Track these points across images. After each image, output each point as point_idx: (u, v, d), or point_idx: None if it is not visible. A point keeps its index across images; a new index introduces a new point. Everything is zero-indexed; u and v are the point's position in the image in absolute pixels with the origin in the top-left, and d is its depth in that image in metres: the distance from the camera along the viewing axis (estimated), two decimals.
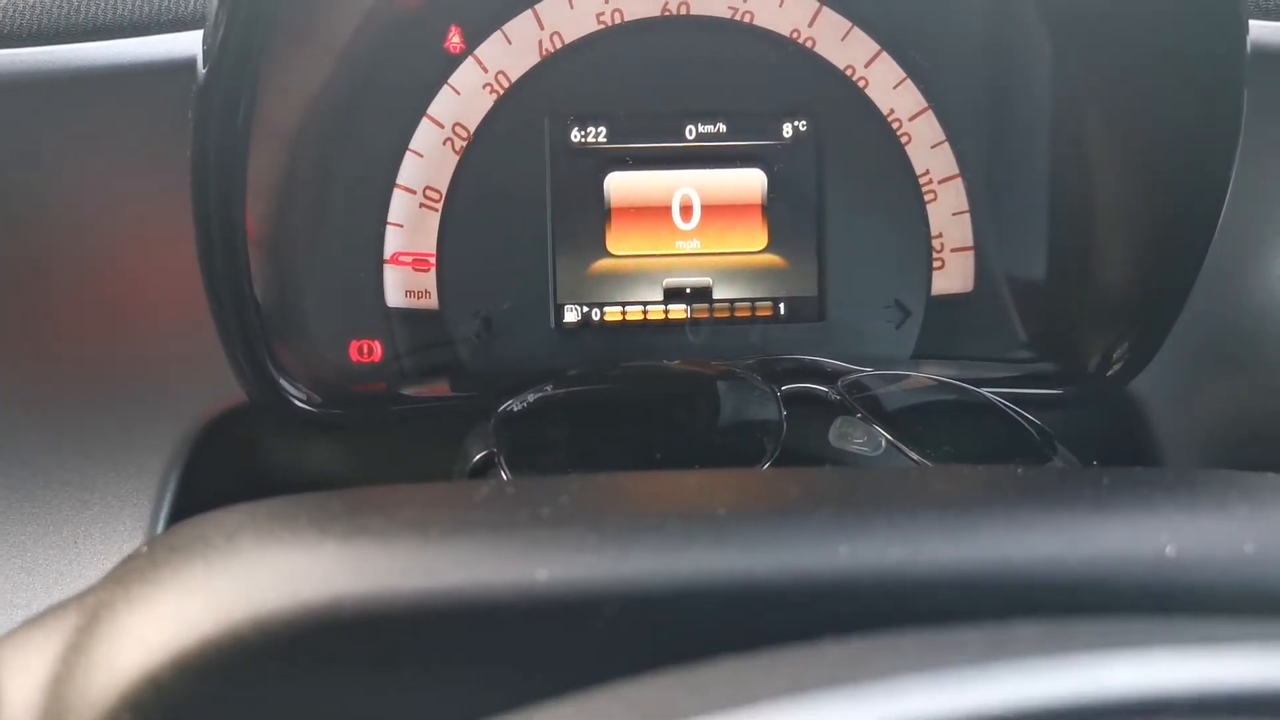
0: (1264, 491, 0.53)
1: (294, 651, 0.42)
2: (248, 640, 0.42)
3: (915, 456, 0.85)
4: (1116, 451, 1.02)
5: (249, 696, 0.43)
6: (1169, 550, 0.45)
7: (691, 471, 0.59)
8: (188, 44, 0.90)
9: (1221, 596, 0.45)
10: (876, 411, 0.89)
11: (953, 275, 1.05)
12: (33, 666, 0.48)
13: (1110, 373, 0.97)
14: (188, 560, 0.47)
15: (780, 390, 0.89)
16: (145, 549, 0.52)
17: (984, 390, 0.94)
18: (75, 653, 0.46)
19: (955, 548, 0.44)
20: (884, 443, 0.87)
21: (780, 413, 0.86)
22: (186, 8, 0.93)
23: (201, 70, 0.83)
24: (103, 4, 0.92)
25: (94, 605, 0.48)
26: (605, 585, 0.43)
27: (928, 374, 0.99)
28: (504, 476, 0.82)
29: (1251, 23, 0.91)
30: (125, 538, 0.92)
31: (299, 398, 0.94)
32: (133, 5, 0.93)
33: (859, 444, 0.89)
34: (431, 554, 0.45)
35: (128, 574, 0.49)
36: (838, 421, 0.91)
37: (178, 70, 0.88)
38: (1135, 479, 0.57)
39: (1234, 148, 0.86)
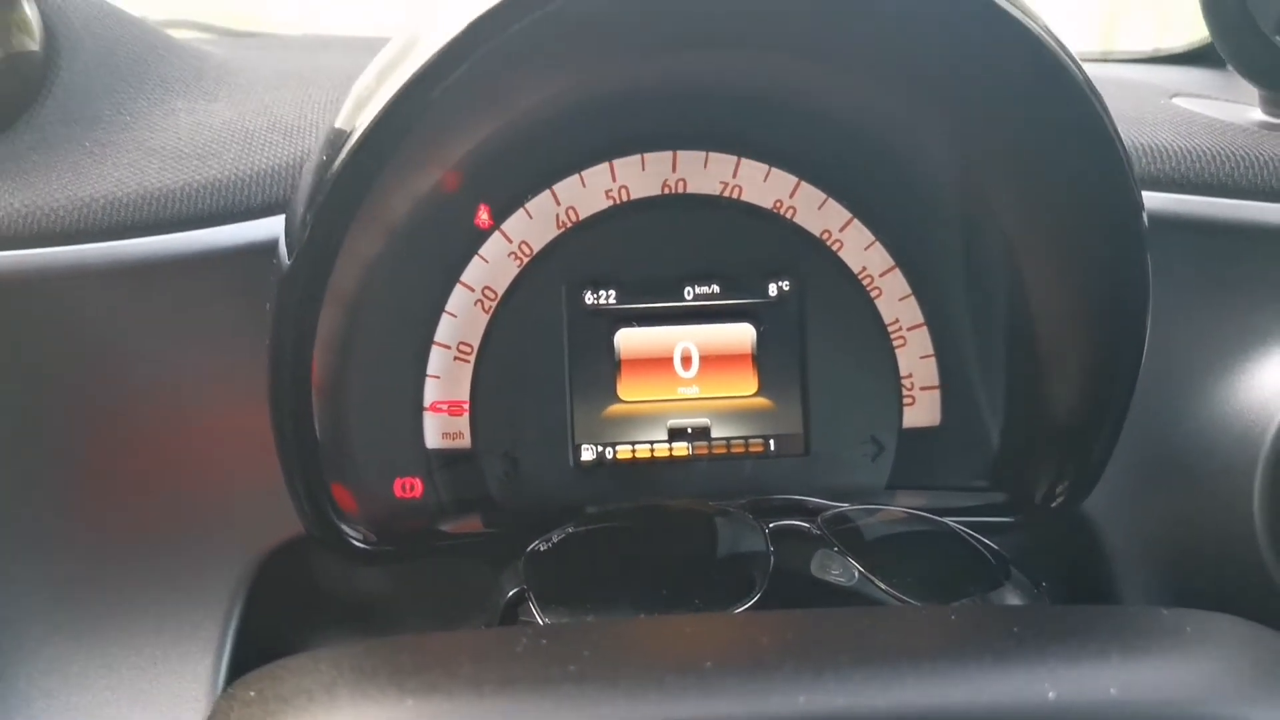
0: (1139, 634, 0.66)
1: None
2: None
3: (884, 586, 0.92)
4: (1076, 567, 1.11)
5: None
6: (1050, 695, 0.57)
7: (687, 619, 0.69)
8: (254, 231, 1.01)
9: None
10: (852, 545, 0.96)
11: (922, 410, 1.11)
12: None
13: (1054, 504, 1.04)
14: (296, 713, 0.59)
15: (769, 527, 0.96)
16: (253, 694, 0.64)
17: (947, 519, 1.01)
18: None
19: (877, 698, 0.57)
20: (857, 574, 0.94)
21: (768, 549, 0.93)
22: (255, 201, 1.02)
23: (287, 260, 0.90)
24: (184, 203, 1.01)
25: None
26: None
27: (900, 505, 1.06)
28: (534, 611, 0.89)
29: (1151, 194, 1.05)
30: (198, 658, 0.98)
31: (354, 535, 1.01)
32: (206, 202, 1.02)
33: (836, 575, 0.96)
34: (485, 709, 0.57)
35: None
36: (818, 555, 0.97)
37: (242, 254, 1.00)
38: (1040, 622, 0.70)
39: (1146, 306, 0.95)
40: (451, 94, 0.88)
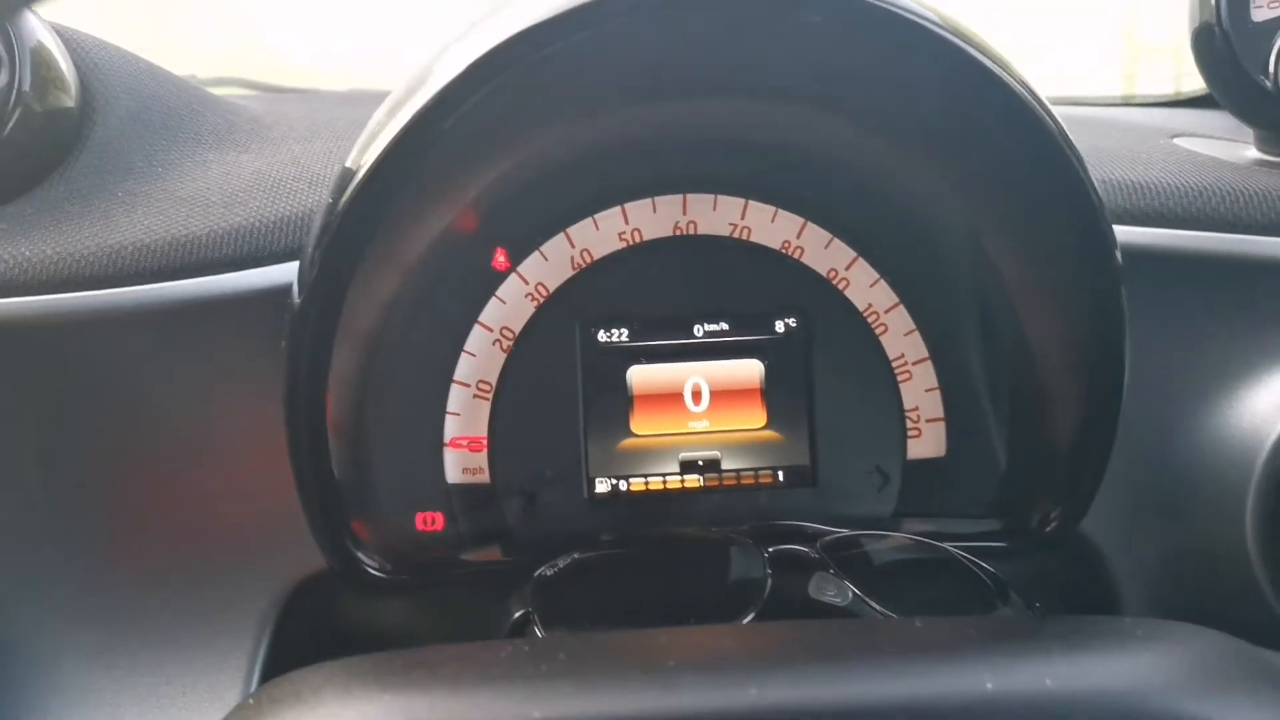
0: (1090, 636, 0.69)
1: None
2: None
3: (877, 607, 0.95)
4: (1078, 592, 1.12)
5: None
6: (988, 685, 0.60)
7: (663, 630, 0.73)
8: (277, 275, 1.04)
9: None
10: (848, 568, 0.98)
11: (928, 442, 1.13)
12: None
13: (1048, 529, 1.07)
14: (283, 710, 0.63)
15: (769, 551, 0.99)
16: (252, 701, 0.68)
17: (947, 544, 1.03)
18: None
19: (822, 692, 0.60)
20: (851, 595, 0.96)
21: (765, 572, 0.96)
22: (279, 245, 1.06)
23: (296, 299, 0.94)
24: (209, 249, 1.05)
25: None
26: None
27: (900, 532, 1.08)
28: (538, 631, 0.92)
29: (1142, 230, 1.09)
30: (227, 686, 1.01)
31: (372, 566, 1.04)
32: (231, 247, 1.05)
33: (831, 596, 0.97)
34: (460, 704, 0.61)
35: None
36: (816, 577, 0.98)
37: (265, 297, 1.03)
38: (997, 626, 0.73)
39: (1124, 338, 0.98)
40: (457, 133, 0.92)
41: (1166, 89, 1.87)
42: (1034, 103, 0.92)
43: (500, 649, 0.69)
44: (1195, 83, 1.74)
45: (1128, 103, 1.88)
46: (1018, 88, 0.91)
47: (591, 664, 0.65)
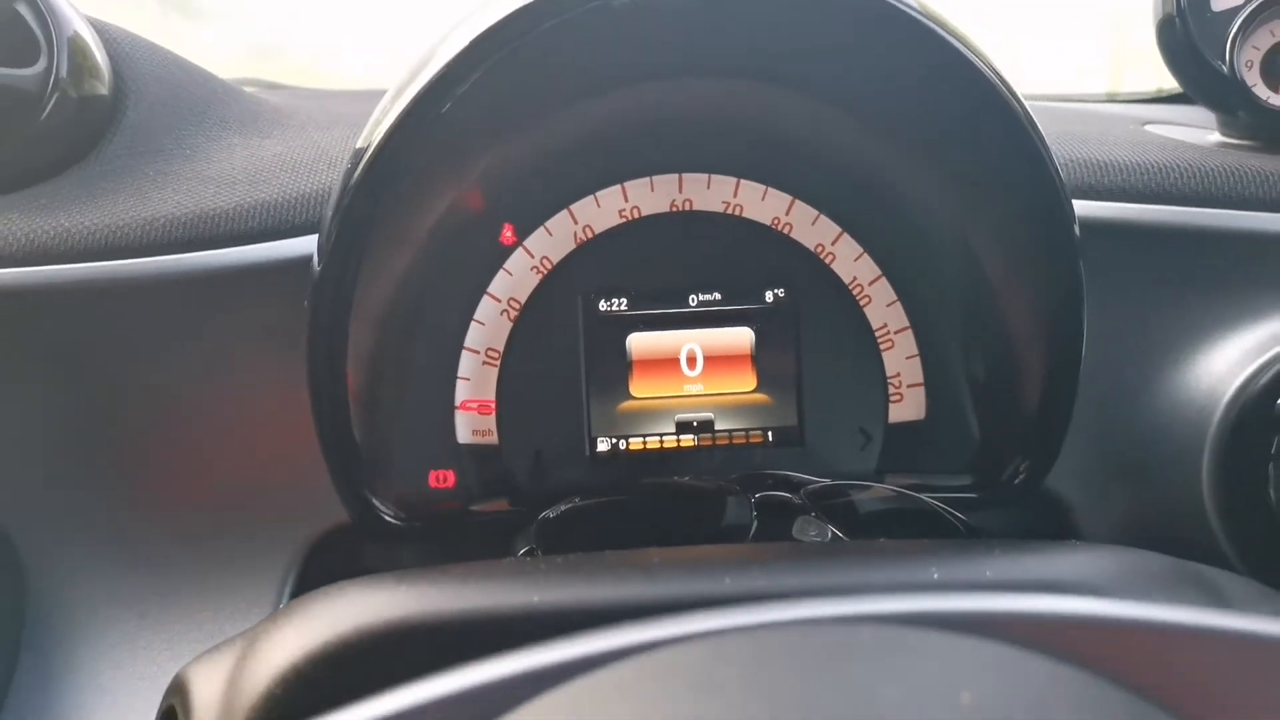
0: (1031, 546, 0.75)
1: (380, 647, 0.66)
2: (352, 641, 0.65)
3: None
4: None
5: (353, 677, 0.64)
6: (934, 575, 0.67)
7: (651, 550, 0.80)
8: (300, 246, 1.09)
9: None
10: (830, 512, 1.04)
11: (908, 406, 1.18)
12: (214, 675, 0.70)
13: (1016, 482, 1.12)
14: (310, 603, 0.69)
15: (755, 497, 1.05)
16: (282, 607, 0.75)
17: (922, 495, 1.09)
18: (244, 660, 0.69)
19: (791, 579, 0.67)
20: (831, 535, 1.02)
21: (751, 514, 1.02)
22: (300, 219, 1.11)
23: (317, 266, 0.99)
24: (235, 222, 1.11)
25: (253, 635, 0.71)
26: (572, 604, 0.66)
27: (878, 483, 1.13)
28: None
29: (1103, 204, 1.14)
30: None
31: (389, 515, 1.09)
32: (256, 220, 1.11)
33: (813, 536, 1.02)
34: (466, 589, 0.68)
35: (275, 615, 0.71)
36: (799, 520, 1.04)
37: (289, 266, 1.08)
38: (950, 543, 0.79)
39: (1081, 307, 1.04)
40: (460, 112, 0.98)
41: (1150, 86, 1.92)
42: (998, 82, 0.98)
43: (504, 561, 0.76)
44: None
45: (1111, 99, 1.94)
46: (983, 68, 0.97)
47: (584, 564, 0.71)
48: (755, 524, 1.03)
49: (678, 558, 0.73)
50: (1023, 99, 0.99)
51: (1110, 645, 0.50)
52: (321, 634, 0.65)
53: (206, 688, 0.69)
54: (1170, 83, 1.76)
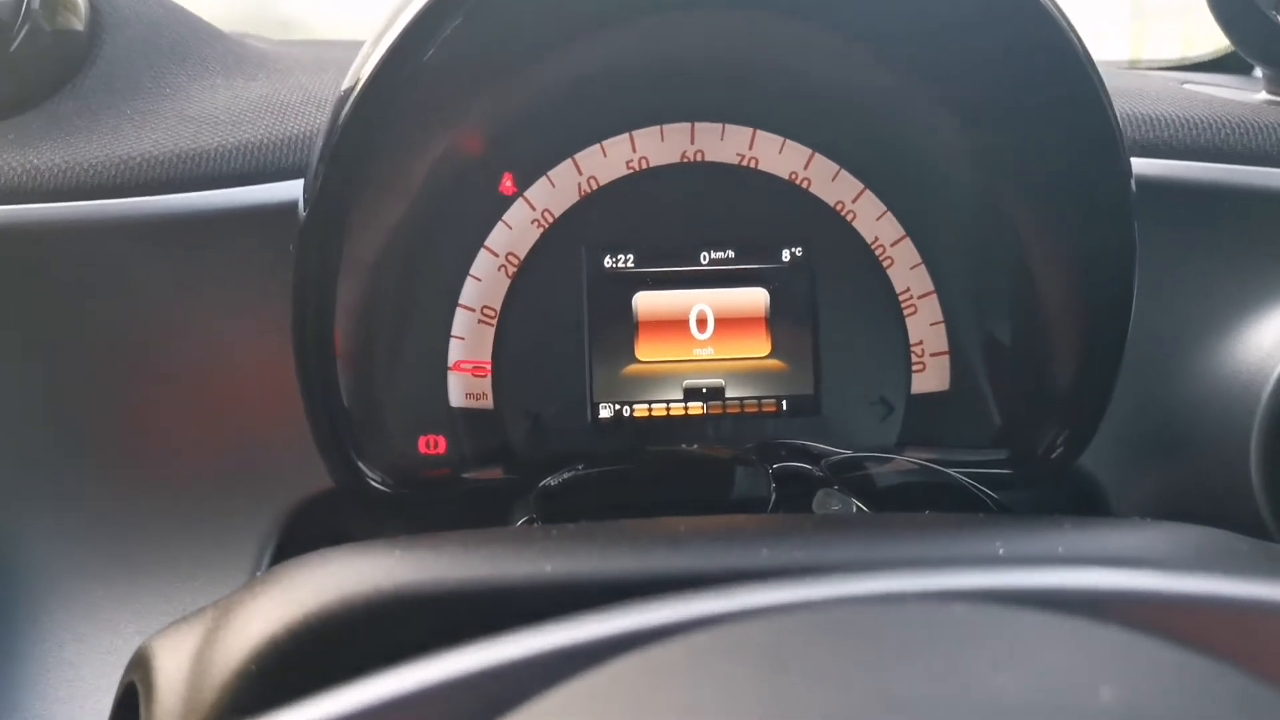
0: (1099, 522, 0.68)
1: (370, 621, 0.59)
2: (338, 613, 0.58)
3: None
4: None
5: (333, 652, 0.58)
6: (1000, 550, 0.60)
7: (671, 519, 0.73)
8: (285, 191, 1.04)
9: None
10: (852, 485, 0.99)
11: (931, 376, 1.13)
12: (180, 648, 0.63)
13: (1053, 456, 1.07)
14: (293, 570, 0.63)
15: (772, 468, 1.00)
16: (259, 575, 0.68)
17: (949, 470, 1.04)
18: (214, 632, 0.62)
19: (836, 552, 0.60)
20: (856, 510, 0.97)
21: (770, 487, 0.97)
22: (286, 162, 1.06)
23: (303, 212, 0.94)
24: (217, 162, 1.05)
25: (226, 604, 0.64)
26: (592, 575, 0.59)
27: (903, 456, 1.09)
28: None
29: (1149, 160, 1.08)
30: None
31: (375, 480, 1.04)
32: (239, 162, 1.06)
33: (836, 510, 0.97)
34: (470, 556, 0.61)
35: (251, 583, 0.65)
36: (820, 493, 0.99)
37: (273, 212, 1.03)
38: (1005, 517, 0.73)
39: (1132, 268, 0.98)
40: (451, 52, 0.93)
41: (1173, 53, 1.85)
42: (1060, 19, 0.92)
43: (509, 528, 0.69)
44: (1203, 47, 1.74)
45: (1134, 66, 1.87)
46: (1045, 3, 0.91)
47: (603, 532, 0.64)
48: (775, 496, 0.98)
49: (707, 526, 0.67)
50: (1085, 44, 0.93)
51: (1227, 628, 0.44)
52: (304, 604, 0.59)
53: (172, 662, 0.63)
54: (1195, 51, 1.71)
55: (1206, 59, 1.70)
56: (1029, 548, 0.62)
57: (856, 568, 0.49)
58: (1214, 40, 1.70)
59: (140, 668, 0.64)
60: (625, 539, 0.62)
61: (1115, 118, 0.94)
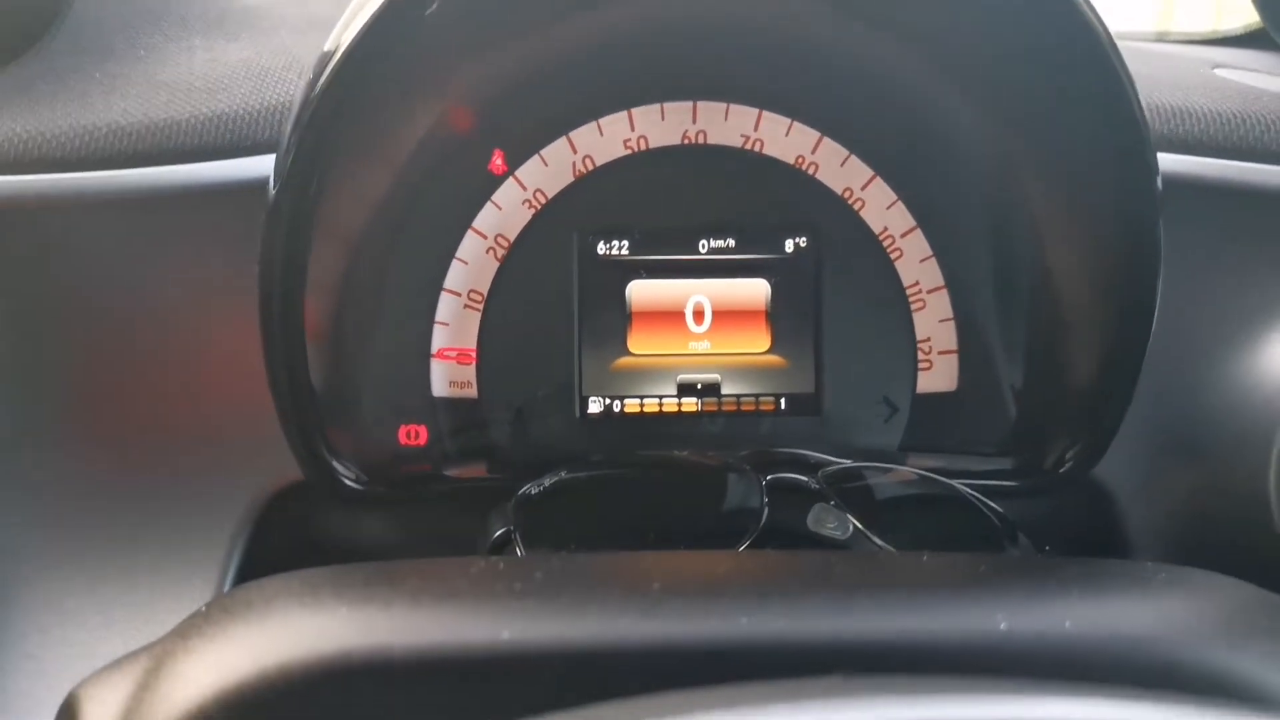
0: (1108, 578, 0.64)
1: (311, 691, 0.54)
2: (275, 682, 0.54)
3: (879, 542, 0.91)
4: (1092, 536, 1.08)
5: None
6: (1001, 625, 0.55)
7: (649, 553, 0.69)
8: (259, 166, 1.00)
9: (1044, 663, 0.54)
10: (850, 500, 0.94)
11: (939, 375, 1.09)
12: (110, 700, 0.59)
13: (1064, 469, 1.02)
14: (233, 620, 0.58)
15: (766, 479, 0.95)
16: (204, 609, 0.63)
17: (955, 481, 0.99)
18: (144, 690, 0.57)
19: (822, 624, 0.55)
20: (852, 528, 0.93)
21: (762, 500, 0.93)
22: (262, 136, 1.02)
23: (273, 189, 0.90)
24: (189, 135, 1.01)
25: (160, 653, 0.60)
26: (552, 645, 0.54)
27: (904, 466, 1.05)
28: (519, 550, 0.89)
29: (1178, 157, 1.04)
30: (195, 597, 0.98)
31: (349, 477, 1.01)
32: (213, 135, 1.02)
33: (831, 528, 0.93)
34: (421, 619, 0.56)
35: (188, 629, 0.60)
36: (815, 509, 0.95)
37: (248, 189, 0.99)
38: (1010, 564, 0.68)
39: (1157, 270, 0.94)
40: (444, 16, 0.88)
41: (1204, 26, 1.79)
42: (1085, 8, 0.88)
43: (471, 565, 0.64)
44: (1235, 20, 1.68)
45: (1162, 39, 1.81)
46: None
47: (569, 585, 0.60)
48: (766, 511, 0.93)
49: (683, 578, 0.62)
50: (1111, 34, 0.88)
51: None
52: (239, 669, 0.54)
53: (100, 714, 0.58)
54: (1227, 24, 1.64)
55: (1237, 33, 1.64)
56: (1033, 621, 0.56)
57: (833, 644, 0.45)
58: (1246, 15, 1.65)
59: (68, 717, 0.60)
60: (594, 598, 0.57)
61: (1143, 113, 0.90)
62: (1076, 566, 0.67)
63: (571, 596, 0.58)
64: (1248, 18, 1.65)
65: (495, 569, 0.63)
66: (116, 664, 0.62)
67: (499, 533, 0.93)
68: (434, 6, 0.87)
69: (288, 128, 0.90)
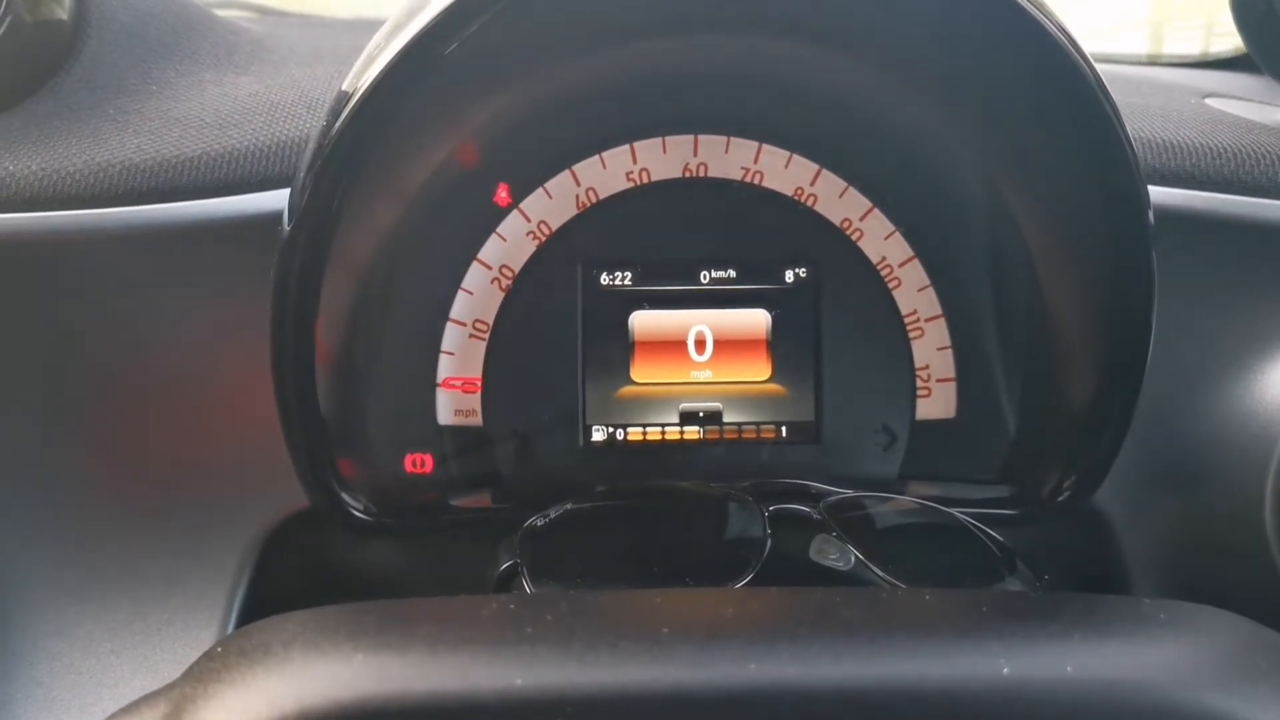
0: (1110, 618, 0.65)
1: None
2: None
3: (880, 573, 0.92)
4: (1088, 565, 1.10)
5: None
6: (1004, 670, 0.57)
7: (657, 592, 0.69)
8: (270, 201, 1.01)
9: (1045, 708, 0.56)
10: (851, 531, 0.95)
11: (937, 402, 1.10)
12: None
13: (1061, 498, 1.03)
14: (251, 664, 0.59)
15: (769, 510, 0.96)
16: (219, 649, 0.64)
17: (955, 510, 1.00)
18: None
19: (829, 669, 0.57)
20: (854, 559, 0.94)
21: (765, 532, 0.93)
22: (273, 171, 1.02)
23: (287, 225, 0.91)
24: (201, 171, 1.02)
25: (177, 698, 0.60)
26: (566, 692, 0.56)
27: (906, 495, 1.05)
28: (525, 584, 0.89)
29: (1170, 190, 1.05)
30: (204, 625, 1.00)
31: (356, 506, 1.01)
32: (225, 170, 1.02)
33: (833, 560, 0.95)
34: (437, 667, 0.57)
35: (204, 672, 0.61)
36: (817, 539, 0.96)
37: (259, 224, 0.99)
38: (1012, 603, 0.69)
39: (1151, 302, 0.95)
40: (459, 59, 0.89)
41: (1195, 49, 1.81)
42: (1071, 49, 0.88)
43: (483, 606, 0.65)
44: (1225, 44, 1.70)
45: (1154, 62, 1.83)
46: (1055, 32, 0.88)
47: (580, 628, 0.61)
48: (769, 542, 0.94)
49: (692, 620, 0.63)
50: (1095, 64, 0.90)
51: None
52: (258, 717, 0.54)
53: None
54: (1218, 46, 1.66)
55: (1227, 57, 1.66)
56: (1036, 665, 0.58)
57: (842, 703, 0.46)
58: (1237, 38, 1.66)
59: None
60: (605, 642, 0.59)
61: (1134, 151, 0.91)
62: (1077, 605, 0.68)
63: (583, 641, 0.59)
64: (1238, 41, 1.67)
65: (506, 611, 0.64)
66: (134, 707, 0.63)
67: (506, 565, 0.94)
68: (454, 46, 0.88)
69: (303, 166, 0.90)
